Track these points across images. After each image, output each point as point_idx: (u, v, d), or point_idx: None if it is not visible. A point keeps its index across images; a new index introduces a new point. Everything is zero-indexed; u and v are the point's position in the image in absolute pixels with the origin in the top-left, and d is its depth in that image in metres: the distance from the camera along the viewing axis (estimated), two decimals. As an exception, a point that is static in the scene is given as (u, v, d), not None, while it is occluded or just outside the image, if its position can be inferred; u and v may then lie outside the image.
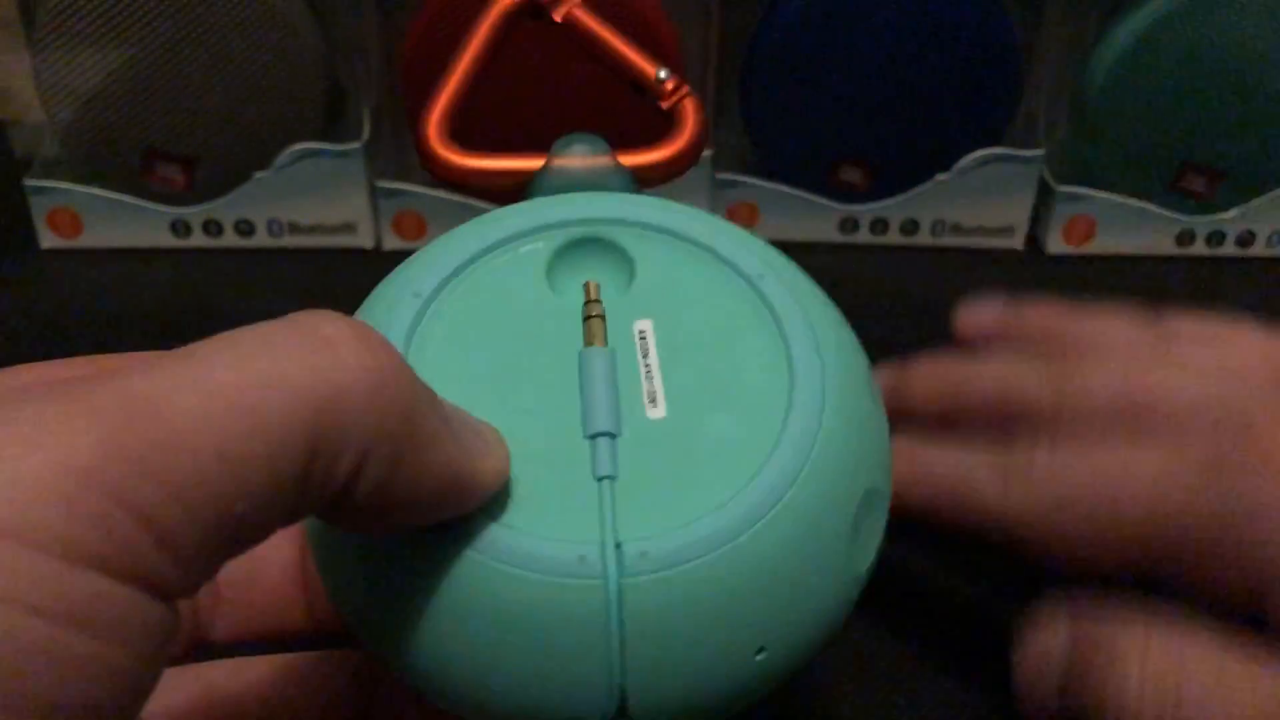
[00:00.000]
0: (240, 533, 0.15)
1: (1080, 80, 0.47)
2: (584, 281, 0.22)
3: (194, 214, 0.48)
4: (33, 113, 0.46)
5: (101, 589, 0.14)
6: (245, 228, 0.48)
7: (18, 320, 0.45)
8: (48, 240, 0.48)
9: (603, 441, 0.20)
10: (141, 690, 0.15)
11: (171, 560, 0.14)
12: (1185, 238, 0.49)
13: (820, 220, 0.49)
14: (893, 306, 0.46)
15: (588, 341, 0.21)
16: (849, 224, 0.49)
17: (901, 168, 0.48)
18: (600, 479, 0.20)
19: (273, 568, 0.25)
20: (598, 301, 0.22)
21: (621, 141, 0.26)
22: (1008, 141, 0.48)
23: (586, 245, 0.23)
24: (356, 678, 0.25)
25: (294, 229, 0.48)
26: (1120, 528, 0.27)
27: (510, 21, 0.27)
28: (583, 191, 0.25)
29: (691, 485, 0.20)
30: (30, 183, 0.47)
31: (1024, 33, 0.46)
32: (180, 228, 0.48)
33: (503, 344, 0.21)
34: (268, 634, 0.25)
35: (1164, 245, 0.49)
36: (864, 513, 0.21)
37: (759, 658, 0.20)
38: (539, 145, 0.26)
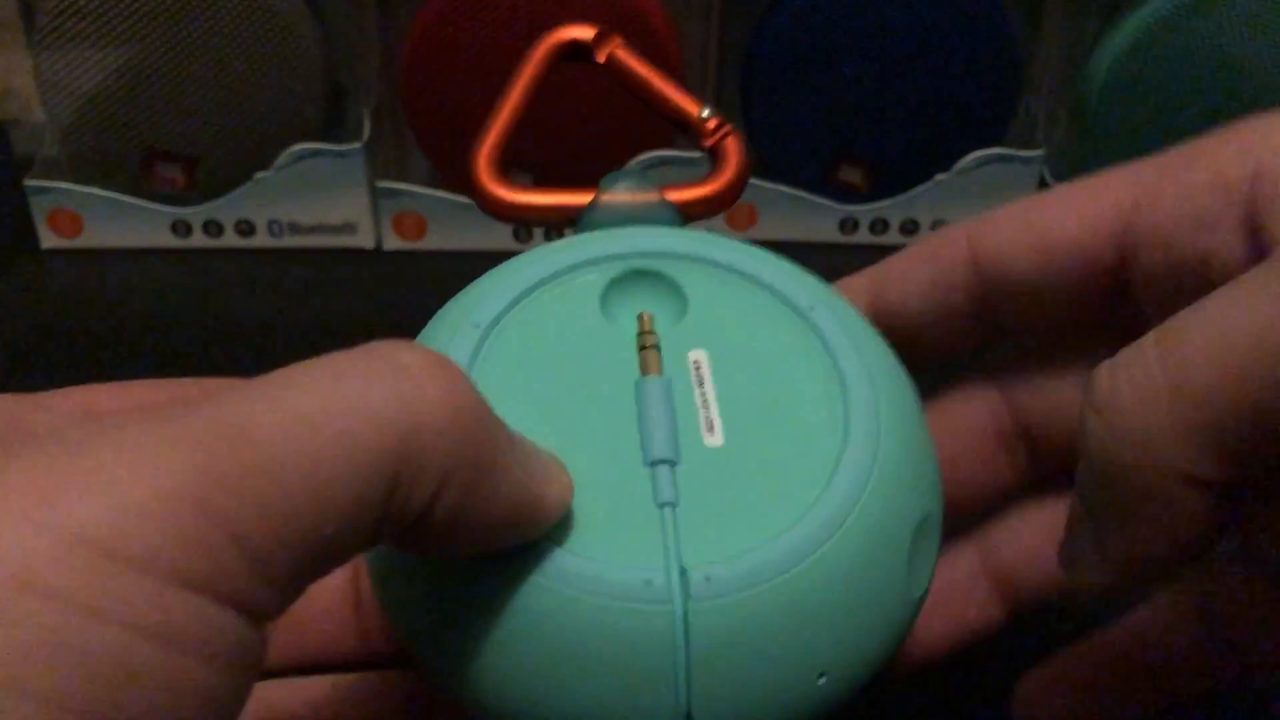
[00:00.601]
0: (326, 555, 0.16)
1: (1080, 80, 0.47)
2: (638, 313, 0.23)
3: (194, 214, 0.48)
4: (33, 113, 0.46)
5: (201, 610, 0.14)
6: (245, 228, 0.48)
7: (18, 320, 0.45)
8: (48, 240, 0.48)
9: (663, 469, 0.20)
10: (233, 713, 0.15)
11: (264, 582, 0.15)
12: (1185, 238, 0.49)
13: (820, 220, 0.49)
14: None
15: (644, 371, 0.22)
16: (849, 224, 0.49)
17: (901, 168, 0.48)
18: (662, 505, 0.20)
19: (324, 592, 0.25)
20: (652, 332, 0.22)
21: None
22: (1008, 141, 0.48)
23: (639, 278, 0.23)
24: (411, 700, 0.25)
25: (294, 229, 0.48)
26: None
27: (554, 61, 0.28)
28: (630, 225, 0.25)
29: (752, 512, 0.20)
30: (30, 183, 0.47)
31: (1024, 33, 0.46)
32: (180, 228, 0.48)
33: (560, 374, 0.22)
34: (319, 659, 0.25)
35: (1164, 245, 0.49)
36: (919, 537, 0.21)
37: (821, 682, 0.20)
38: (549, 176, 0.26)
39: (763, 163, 0.49)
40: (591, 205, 0.26)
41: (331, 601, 0.26)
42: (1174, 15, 0.45)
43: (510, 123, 0.27)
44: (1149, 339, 0.20)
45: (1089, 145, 0.48)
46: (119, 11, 0.43)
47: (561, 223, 0.26)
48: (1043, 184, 0.49)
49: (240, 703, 0.15)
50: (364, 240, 0.49)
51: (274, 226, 0.48)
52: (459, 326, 0.22)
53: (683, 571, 0.19)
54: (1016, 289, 0.25)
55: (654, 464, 0.20)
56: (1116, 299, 0.24)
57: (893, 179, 0.49)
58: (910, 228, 0.49)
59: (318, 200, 0.47)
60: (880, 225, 0.49)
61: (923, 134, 0.48)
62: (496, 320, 0.22)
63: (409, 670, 0.25)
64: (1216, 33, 0.45)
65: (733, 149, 0.27)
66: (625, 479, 0.20)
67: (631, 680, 0.19)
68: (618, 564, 0.19)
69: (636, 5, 0.44)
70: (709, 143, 0.27)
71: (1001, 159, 0.48)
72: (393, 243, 0.49)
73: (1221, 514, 0.20)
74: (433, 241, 0.48)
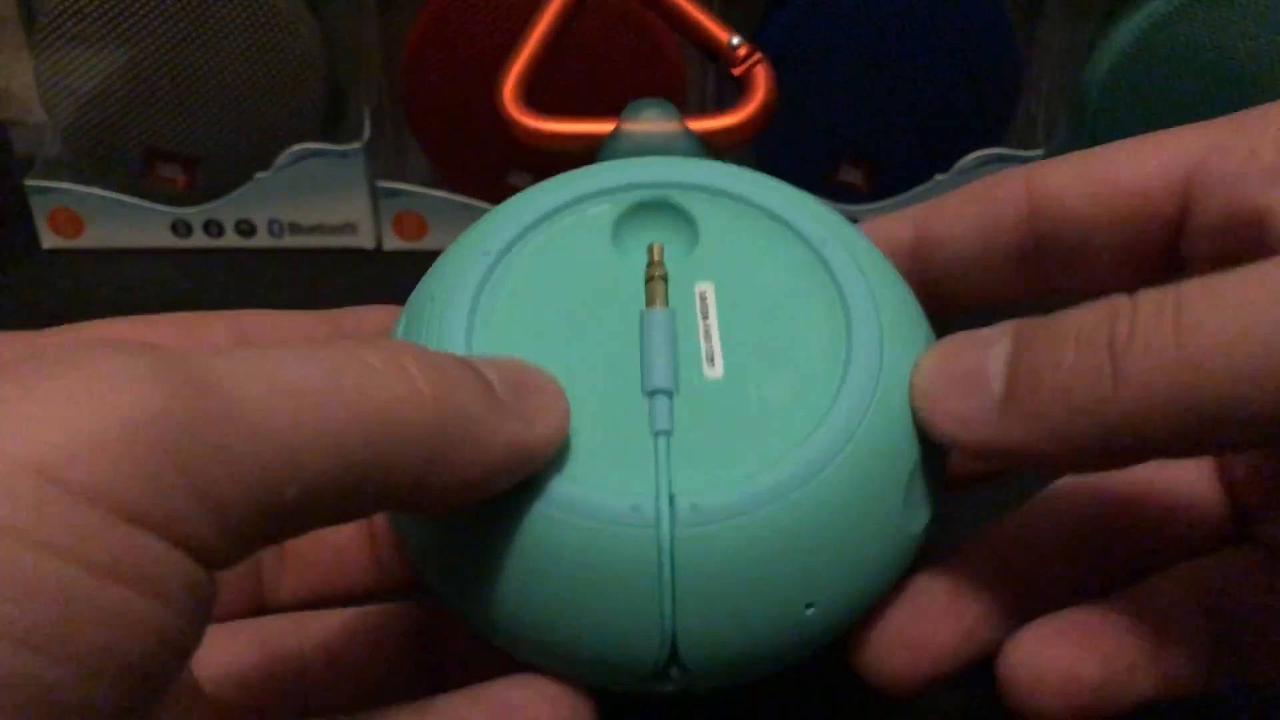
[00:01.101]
0: (286, 517, 0.16)
1: (1080, 80, 0.47)
2: (648, 244, 0.23)
3: (194, 214, 0.48)
4: (33, 113, 0.46)
5: (149, 547, 0.14)
6: (246, 228, 0.48)
7: (18, 320, 0.45)
8: (48, 240, 0.48)
9: (660, 398, 0.21)
10: (183, 651, 0.15)
11: (217, 529, 0.15)
12: (1185, 238, 0.49)
13: (820, 220, 0.49)
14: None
15: (649, 302, 0.22)
16: (849, 224, 0.49)
17: (901, 168, 0.48)
18: (656, 434, 0.20)
19: (339, 527, 0.26)
20: (660, 263, 0.23)
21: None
22: (1008, 141, 0.48)
23: (652, 208, 0.24)
24: (421, 629, 0.25)
25: (294, 229, 0.48)
26: None
27: None
28: (652, 156, 0.25)
29: (745, 443, 0.20)
30: (31, 183, 0.47)
31: (1024, 33, 0.46)
32: (180, 228, 0.48)
33: (567, 303, 0.22)
34: (335, 593, 0.26)
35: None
36: (918, 475, 0.21)
37: (809, 612, 0.20)
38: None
39: (763, 163, 0.49)
40: (613, 134, 0.26)
41: (346, 536, 0.26)
42: (1174, 15, 0.45)
43: (537, 51, 0.27)
44: (1168, 303, 0.19)
45: (1089, 145, 0.48)
46: (119, 11, 0.43)
47: (584, 150, 0.26)
48: (1043, 184, 0.49)
49: (194, 640, 0.15)
50: (364, 240, 0.49)
51: (274, 226, 0.48)
52: (470, 253, 0.23)
53: (671, 499, 0.19)
54: (1070, 235, 0.24)
55: (652, 394, 0.21)
56: (1166, 258, 0.24)
57: (893, 179, 0.49)
58: (910, 228, 0.49)
59: (318, 200, 0.47)
60: (880, 225, 0.49)
61: (923, 134, 0.48)
62: (508, 248, 0.23)
63: (424, 599, 0.25)
64: (1216, 33, 0.45)
65: (761, 77, 0.27)
66: (624, 408, 0.21)
67: (620, 603, 0.20)
68: (610, 490, 0.20)
69: (636, 5, 0.44)
70: (738, 70, 0.27)
71: (1001, 159, 0.48)
72: (393, 243, 0.49)
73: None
74: (433, 241, 0.48)
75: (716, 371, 0.21)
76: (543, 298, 0.22)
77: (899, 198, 0.49)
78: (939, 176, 0.48)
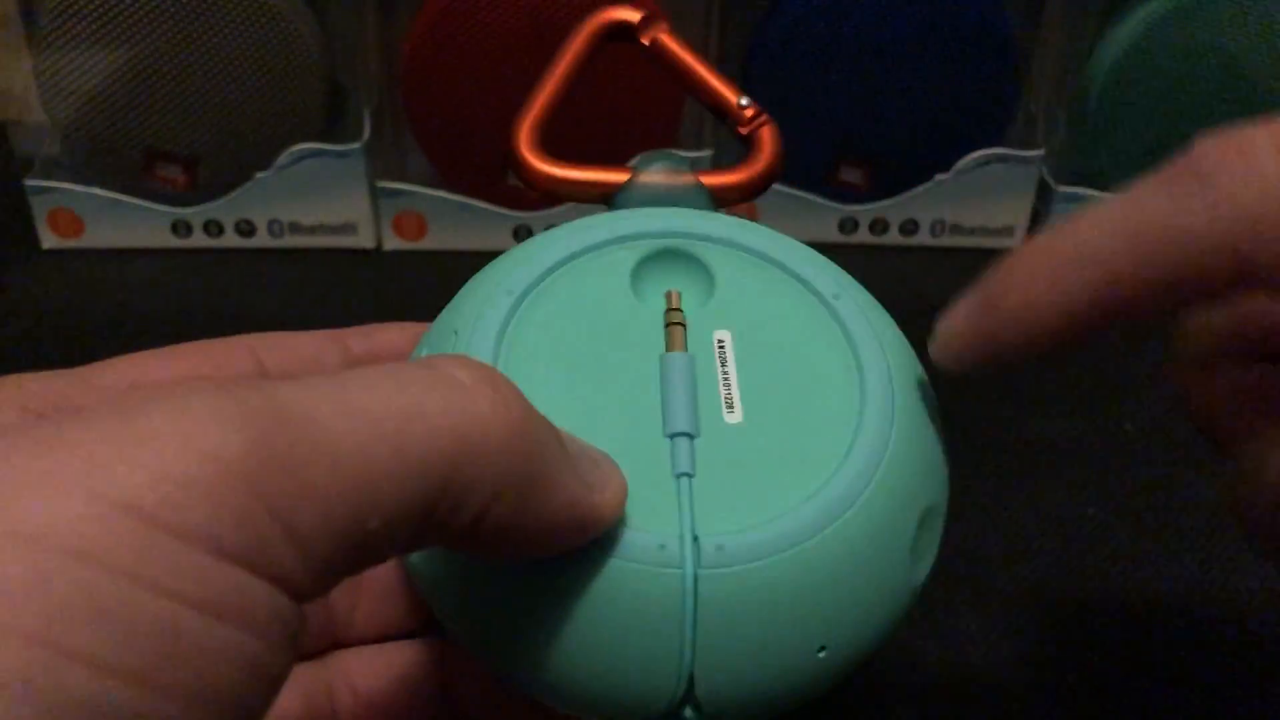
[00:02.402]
0: (367, 548, 0.16)
1: (1080, 80, 0.47)
2: (666, 290, 0.24)
3: (194, 214, 0.48)
4: (33, 113, 0.46)
5: (241, 582, 0.15)
6: (246, 228, 0.48)
7: (18, 320, 0.45)
8: (48, 240, 0.48)
9: (682, 441, 0.21)
10: (275, 681, 0.16)
11: (303, 563, 0.15)
12: (1185, 238, 0.49)
13: (820, 220, 0.49)
14: (892, 307, 0.46)
15: (669, 347, 0.23)
16: (849, 224, 0.49)
17: (901, 168, 0.48)
18: (679, 476, 0.21)
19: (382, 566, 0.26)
20: (679, 310, 0.23)
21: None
22: (1008, 141, 0.48)
23: (669, 257, 0.24)
24: (435, 665, 0.25)
25: (294, 229, 0.48)
26: None
27: (599, 42, 0.29)
28: (664, 206, 0.26)
29: (766, 487, 0.21)
30: (31, 183, 0.47)
31: (1024, 33, 0.46)
32: (180, 228, 0.48)
33: (588, 345, 0.23)
34: (339, 636, 0.26)
35: (1164, 245, 0.49)
36: (923, 527, 0.22)
37: (820, 655, 0.21)
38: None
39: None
40: (627, 184, 0.26)
41: (388, 576, 0.26)
42: (1174, 15, 0.45)
43: (552, 98, 0.28)
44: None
45: (1089, 145, 0.48)
46: (119, 12, 0.43)
47: (596, 199, 0.27)
48: (1043, 184, 0.49)
49: (285, 671, 0.16)
50: (364, 240, 0.49)
51: (274, 226, 0.48)
52: (493, 293, 0.23)
53: (695, 539, 0.20)
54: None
55: (673, 436, 0.21)
56: None
57: (893, 179, 0.49)
58: (910, 228, 0.49)
59: (318, 200, 0.47)
60: (880, 225, 0.49)
61: (923, 134, 0.48)
62: (529, 289, 0.23)
63: (435, 634, 0.25)
64: (1216, 32, 0.45)
65: (768, 137, 0.28)
66: (645, 450, 0.21)
67: (640, 640, 0.20)
68: (635, 528, 0.20)
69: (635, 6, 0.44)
70: (745, 130, 0.28)
71: (1001, 159, 0.48)
72: (393, 243, 0.49)
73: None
74: (433, 241, 0.48)
75: (736, 417, 0.22)
76: (564, 339, 0.22)
77: (899, 198, 0.49)
78: (939, 176, 0.48)
